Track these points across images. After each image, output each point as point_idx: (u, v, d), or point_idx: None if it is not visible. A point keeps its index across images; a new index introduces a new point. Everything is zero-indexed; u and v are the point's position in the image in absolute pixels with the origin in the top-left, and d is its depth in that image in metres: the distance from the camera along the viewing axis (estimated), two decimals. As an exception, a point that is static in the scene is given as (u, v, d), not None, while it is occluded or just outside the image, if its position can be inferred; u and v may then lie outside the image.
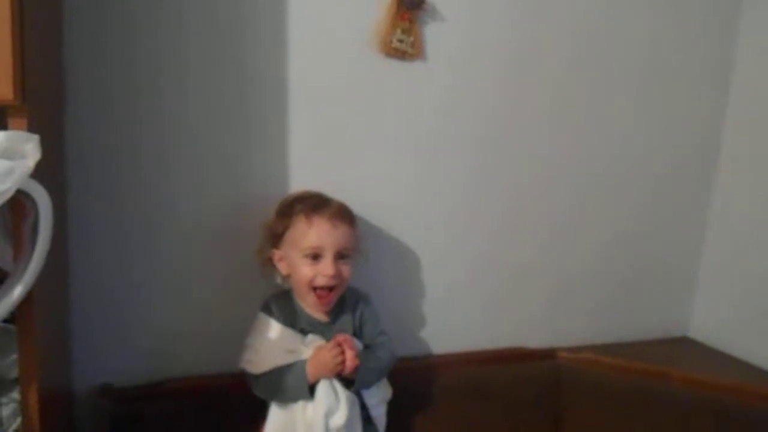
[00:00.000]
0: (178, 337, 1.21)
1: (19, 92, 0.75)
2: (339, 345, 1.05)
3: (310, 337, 1.09)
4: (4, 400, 0.92)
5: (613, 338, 1.53)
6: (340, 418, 1.04)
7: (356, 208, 1.17)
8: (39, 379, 0.83)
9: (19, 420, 0.91)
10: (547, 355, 1.42)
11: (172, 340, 1.21)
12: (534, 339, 1.45)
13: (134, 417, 1.12)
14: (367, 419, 1.12)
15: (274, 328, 1.10)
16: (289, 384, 1.06)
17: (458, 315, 1.40)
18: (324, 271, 1.08)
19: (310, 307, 1.13)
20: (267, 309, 1.12)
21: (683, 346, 1.57)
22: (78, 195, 1.11)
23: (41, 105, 0.87)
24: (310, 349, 1.07)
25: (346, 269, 1.10)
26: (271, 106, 1.20)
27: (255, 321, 1.12)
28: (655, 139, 1.49)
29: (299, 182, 1.22)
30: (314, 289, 1.09)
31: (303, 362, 1.06)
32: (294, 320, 1.11)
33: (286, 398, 1.07)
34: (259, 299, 1.16)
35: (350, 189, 1.19)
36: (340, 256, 1.10)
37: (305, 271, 1.09)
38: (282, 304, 1.13)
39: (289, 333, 1.09)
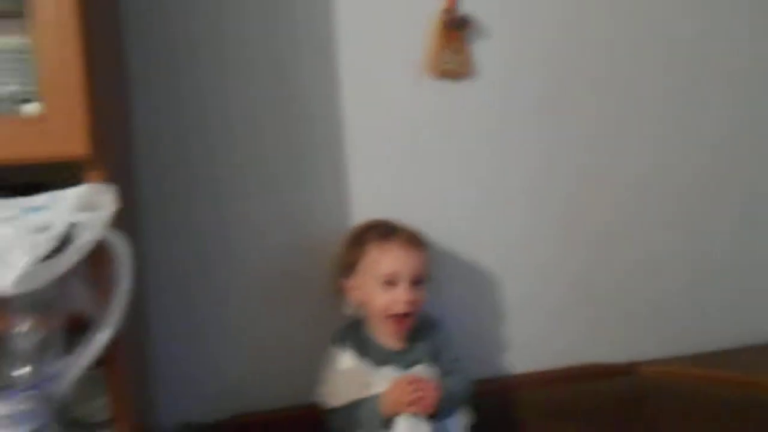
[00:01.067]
0: (247, 376, 1.24)
1: (92, 145, 0.78)
2: (413, 383, 1.04)
3: (385, 370, 1.08)
4: (95, 442, 0.95)
5: (695, 348, 1.45)
6: None
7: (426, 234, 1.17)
8: (130, 420, 0.85)
9: (110, 461, 0.94)
10: (627, 370, 1.37)
11: (243, 377, 1.24)
12: (607, 350, 1.41)
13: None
14: None
15: (347, 361, 1.10)
16: (363, 419, 1.05)
17: (527, 331, 1.37)
18: (400, 298, 1.08)
19: (385, 335, 1.12)
20: (339, 341, 1.13)
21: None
22: (144, 234, 1.15)
23: (114, 154, 0.90)
24: (385, 382, 1.06)
25: (421, 294, 1.10)
26: (326, 143, 1.21)
27: (328, 354, 1.12)
28: (721, 135, 1.43)
29: (361, 214, 1.22)
30: (390, 316, 1.09)
31: (376, 397, 1.05)
32: (367, 350, 1.11)
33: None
34: (322, 334, 1.17)
35: (411, 215, 1.19)
36: (415, 281, 1.09)
37: (381, 298, 1.09)
38: (353, 335, 1.13)
39: (362, 365, 1.09)
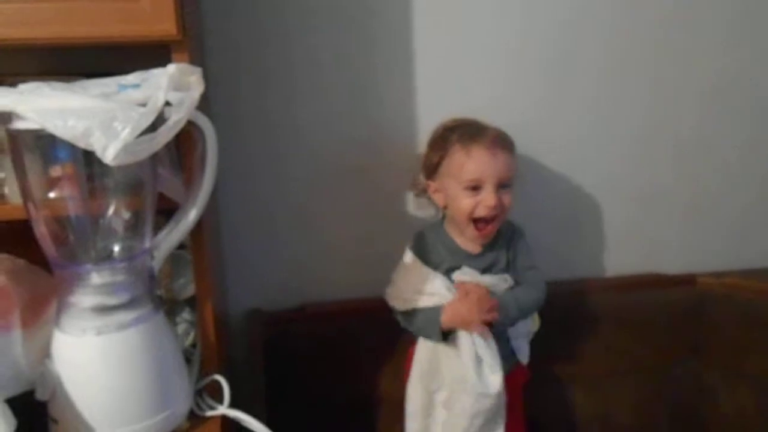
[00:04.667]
0: (314, 267, 1.27)
1: (180, 27, 0.79)
2: (484, 302, 1.02)
3: (459, 273, 1.07)
4: (178, 319, 1.01)
5: (757, 263, 1.44)
6: (489, 368, 1.04)
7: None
8: (213, 298, 0.90)
9: (191, 336, 1.01)
10: (687, 280, 1.36)
11: (309, 269, 1.27)
12: (671, 263, 1.40)
13: (285, 339, 1.19)
14: (510, 352, 1.13)
15: (417, 268, 1.09)
16: (423, 328, 1.07)
17: (593, 239, 1.37)
18: (485, 202, 1.03)
19: (466, 238, 1.09)
20: (415, 245, 1.11)
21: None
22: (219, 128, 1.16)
23: (196, 41, 0.91)
24: (449, 292, 1.06)
25: (507, 198, 1.05)
26: (400, 38, 1.19)
27: (403, 256, 1.12)
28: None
29: (433, 113, 1.19)
30: (474, 220, 1.06)
31: (438, 310, 1.04)
32: (445, 253, 1.09)
33: (424, 337, 1.09)
34: (389, 230, 1.18)
35: (480, 115, 1.15)
36: (501, 185, 1.04)
37: (465, 202, 1.04)
38: (432, 239, 1.11)
39: (432, 275, 1.07)
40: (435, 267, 1.08)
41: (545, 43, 1.25)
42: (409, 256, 1.11)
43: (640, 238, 1.40)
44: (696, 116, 1.36)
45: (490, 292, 1.06)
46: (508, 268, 1.11)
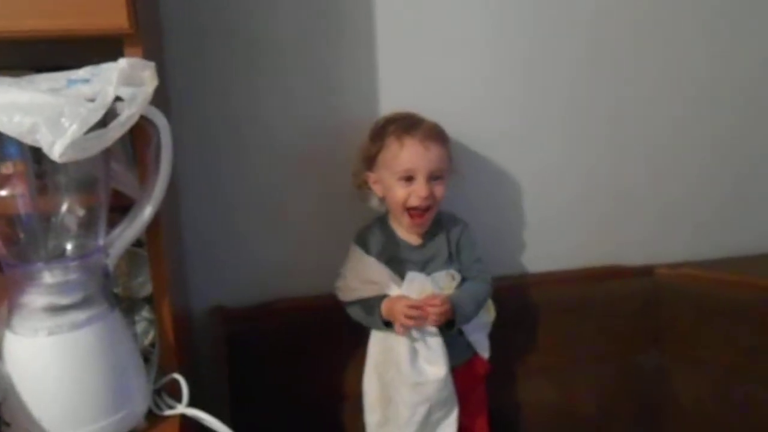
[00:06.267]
0: (278, 261, 1.26)
1: (133, 21, 0.77)
2: (418, 309, 1.04)
3: (410, 275, 1.10)
4: (137, 318, 1.00)
5: (714, 254, 1.47)
6: (425, 360, 1.08)
7: (451, 129, 1.15)
8: (170, 296, 0.89)
9: (151, 335, 0.99)
10: (645, 271, 1.39)
11: (273, 263, 1.26)
12: (631, 256, 1.42)
13: (249, 335, 1.19)
14: (466, 345, 1.16)
15: (360, 258, 1.13)
16: (366, 317, 1.11)
17: (558, 236, 1.38)
18: (417, 192, 1.08)
19: (405, 229, 1.13)
20: (359, 239, 1.15)
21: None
22: (175, 121, 1.13)
23: (150, 35, 0.89)
24: (401, 287, 1.09)
25: (439, 190, 1.10)
26: (362, 28, 1.18)
27: (349, 250, 1.15)
28: (755, 54, 1.39)
29: (391, 104, 1.20)
30: (408, 210, 1.10)
31: (379, 300, 1.09)
32: (388, 245, 1.13)
33: (369, 326, 1.13)
34: (353, 222, 1.18)
35: (446, 111, 1.16)
36: (433, 177, 1.09)
37: (399, 192, 1.09)
38: (377, 230, 1.15)
39: (375, 264, 1.11)
40: (377, 257, 1.12)
41: (510, 38, 1.26)
42: (354, 249, 1.14)
43: (601, 231, 1.42)
44: (656, 113, 1.38)
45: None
46: (451, 260, 1.14)
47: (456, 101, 1.24)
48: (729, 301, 1.33)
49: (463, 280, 1.14)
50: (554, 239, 1.39)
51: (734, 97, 1.41)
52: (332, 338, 1.21)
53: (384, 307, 1.08)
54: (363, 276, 1.12)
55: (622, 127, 1.36)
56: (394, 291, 1.09)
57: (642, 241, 1.45)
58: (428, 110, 1.15)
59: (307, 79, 1.19)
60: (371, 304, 1.10)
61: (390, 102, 1.21)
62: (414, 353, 1.08)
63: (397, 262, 1.12)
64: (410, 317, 1.04)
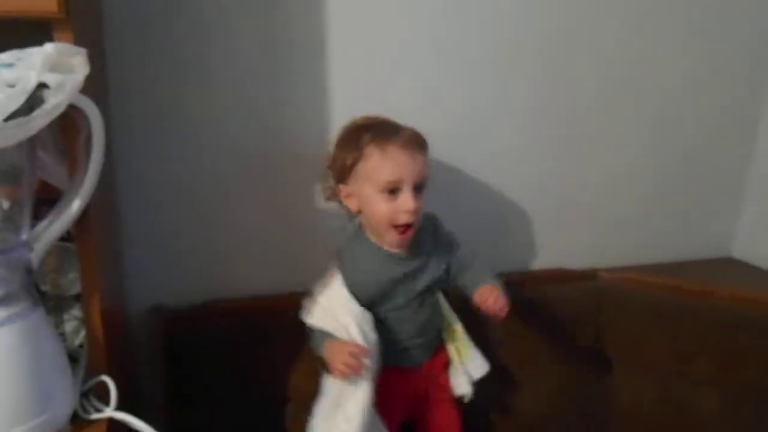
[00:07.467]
0: (220, 262, 1.23)
1: (62, 4, 0.74)
2: (356, 356, 0.94)
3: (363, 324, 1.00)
4: (66, 316, 0.95)
5: (655, 259, 1.51)
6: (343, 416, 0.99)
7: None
8: (101, 294, 0.85)
9: (81, 335, 0.95)
10: (588, 275, 1.41)
11: (218, 262, 1.23)
12: (575, 260, 1.45)
13: (188, 336, 1.15)
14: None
15: (337, 290, 1.03)
16: (316, 348, 1.03)
17: (504, 239, 1.39)
18: (404, 207, 0.98)
19: (388, 244, 1.04)
20: (344, 265, 1.05)
21: (727, 265, 1.55)
22: (119, 114, 1.09)
23: (84, 20, 0.85)
24: (357, 333, 0.98)
25: (422, 202, 1.01)
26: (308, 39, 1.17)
27: (329, 276, 1.05)
28: (699, 53, 1.43)
29: (345, 108, 1.16)
30: (394, 227, 1.00)
31: (324, 338, 1.00)
32: (375, 264, 1.04)
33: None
34: (297, 225, 1.15)
35: (396, 111, 1.11)
36: (418, 187, 1.00)
37: (383, 208, 0.99)
38: (359, 251, 1.06)
39: (347, 303, 1.01)
40: (371, 281, 1.04)
41: (469, 40, 1.26)
42: (333, 273, 1.05)
43: (546, 236, 1.44)
44: (599, 117, 1.40)
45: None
46: (440, 257, 1.09)
47: (405, 103, 1.21)
48: (669, 305, 1.36)
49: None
50: (500, 242, 1.40)
51: (677, 95, 1.45)
52: (275, 339, 1.17)
53: (325, 348, 0.99)
54: (330, 308, 1.02)
55: (574, 138, 1.39)
56: (353, 331, 0.98)
57: (587, 245, 1.47)
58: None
59: (256, 81, 1.16)
60: (322, 340, 1.01)
61: (341, 109, 1.18)
62: (335, 407, 1.00)
63: (396, 279, 1.04)
64: (348, 366, 0.94)
